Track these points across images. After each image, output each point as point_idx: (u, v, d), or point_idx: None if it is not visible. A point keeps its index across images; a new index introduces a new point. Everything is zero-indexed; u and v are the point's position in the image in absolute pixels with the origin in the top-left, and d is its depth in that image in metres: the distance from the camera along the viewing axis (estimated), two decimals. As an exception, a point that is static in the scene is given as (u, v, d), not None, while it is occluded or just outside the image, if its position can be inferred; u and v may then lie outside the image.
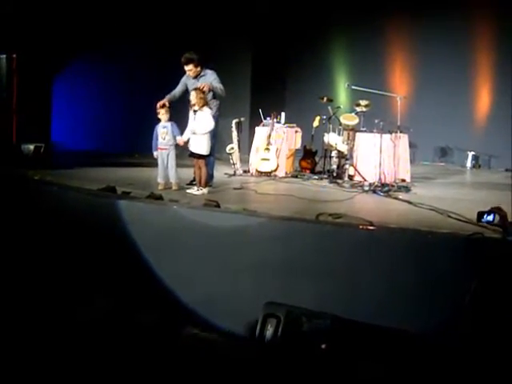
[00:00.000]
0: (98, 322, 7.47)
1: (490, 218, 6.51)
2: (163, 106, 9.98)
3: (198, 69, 10.51)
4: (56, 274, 8.73)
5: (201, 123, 9.55)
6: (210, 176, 10.49)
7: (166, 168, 9.88)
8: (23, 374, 6.05)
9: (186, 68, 10.46)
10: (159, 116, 9.91)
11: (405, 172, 12.07)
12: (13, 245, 9.45)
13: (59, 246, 8.98)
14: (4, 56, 12.34)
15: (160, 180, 9.92)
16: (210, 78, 10.46)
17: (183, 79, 10.76)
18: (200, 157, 9.64)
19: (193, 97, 9.66)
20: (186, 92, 10.51)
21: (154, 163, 10.95)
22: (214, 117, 9.87)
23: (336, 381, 6.05)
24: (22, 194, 10.18)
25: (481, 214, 6.61)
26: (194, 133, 9.54)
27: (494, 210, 6.60)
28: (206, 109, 9.58)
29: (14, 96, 12.34)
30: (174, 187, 9.82)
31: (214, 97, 10.43)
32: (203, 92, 9.70)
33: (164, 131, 9.83)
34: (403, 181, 11.75)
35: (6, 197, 10.25)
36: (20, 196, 10.14)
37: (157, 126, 9.94)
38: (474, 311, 5.95)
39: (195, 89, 9.76)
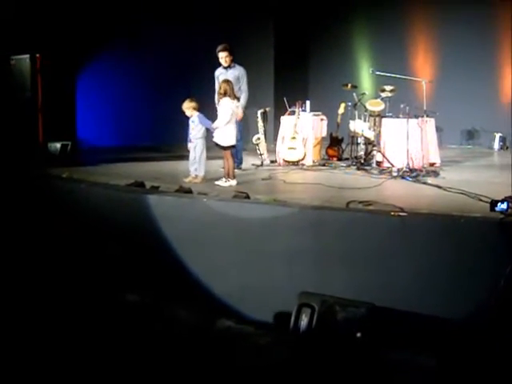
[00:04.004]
0: (130, 316, 7.52)
1: (504, 206, 6.43)
2: (186, 102, 9.99)
3: (231, 58, 11.33)
4: (87, 269, 8.80)
5: (219, 115, 9.61)
6: (239, 160, 11.49)
7: (194, 161, 9.90)
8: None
9: (222, 54, 11.31)
10: (187, 114, 9.93)
11: (434, 156, 12.01)
12: (44, 241, 9.53)
13: (89, 242, 9.03)
14: (28, 56, 12.40)
15: (191, 172, 9.95)
16: (240, 72, 11.39)
17: (216, 74, 11.55)
18: (223, 148, 9.66)
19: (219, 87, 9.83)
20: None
21: (179, 156, 11.01)
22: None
23: (372, 369, 6.04)
24: (50, 192, 10.21)
25: (494, 203, 6.53)
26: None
27: (508, 199, 6.52)
28: (224, 101, 9.59)
29: (39, 95, 12.41)
30: (197, 180, 9.80)
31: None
32: (232, 86, 9.77)
33: (192, 125, 9.85)
34: (432, 165, 11.69)
35: (35, 195, 10.31)
36: (49, 194, 10.19)
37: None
38: (509, 295, 5.91)
39: (224, 81, 9.87)
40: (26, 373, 6.07)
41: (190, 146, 9.96)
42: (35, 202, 10.20)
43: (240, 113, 10.96)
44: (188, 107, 9.87)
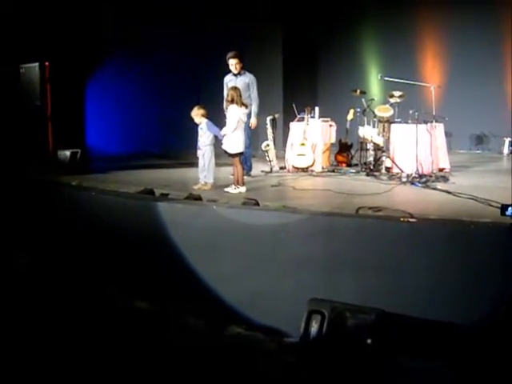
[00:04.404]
0: (140, 323, 7.53)
1: (515, 210, 6.42)
2: (194, 109, 10.02)
3: (241, 65, 11.40)
4: (96, 276, 8.82)
5: (226, 123, 9.64)
6: (248, 167, 11.53)
7: (203, 168, 9.90)
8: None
9: (232, 61, 11.37)
10: (195, 121, 9.95)
11: (443, 161, 12.02)
12: (54, 249, 9.56)
13: (100, 249, 9.05)
14: (37, 64, 12.41)
15: (200, 179, 9.96)
16: (250, 79, 11.44)
17: (225, 81, 11.58)
18: (231, 155, 9.67)
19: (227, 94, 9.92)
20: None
21: (188, 163, 11.05)
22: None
23: (383, 376, 6.03)
24: (60, 199, 10.24)
25: (505, 208, 6.52)
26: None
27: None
28: (231, 108, 9.61)
29: (49, 103, 12.40)
30: (206, 187, 9.80)
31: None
32: (239, 93, 9.77)
33: (200, 132, 9.87)
34: (441, 170, 11.70)
35: (45, 203, 10.34)
36: (59, 202, 10.21)
37: None
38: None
39: (232, 88, 9.91)
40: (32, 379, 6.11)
41: (198, 153, 9.97)
42: (45, 210, 10.23)
43: (254, 121, 11.24)
44: (197, 114, 9.89)
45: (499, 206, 7.07)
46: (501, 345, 5.79)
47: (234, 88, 9.86)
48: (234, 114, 9.54)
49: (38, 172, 11.72)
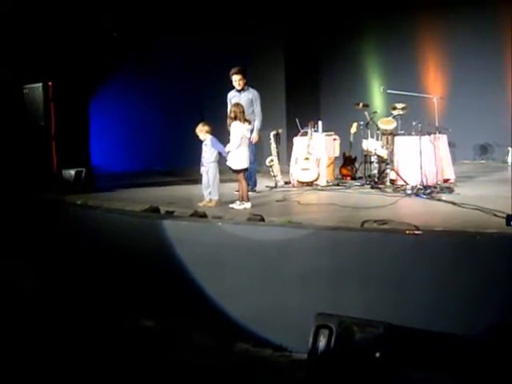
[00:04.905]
0: (147, 342, 7.52)
1: (520, 220, 6.42)
2: (199, 126, 10.02)
3: (244, 81, 11.39)
4: (103, 294, 8.82)
5: (230, 139, 9.64)
6: (253, 183, 11.52)
7: (207, 185, 9.88)
8: None
9: (236, 77, 11.36)
10: (200, 137, 9.95)
11: (448, 172, 12.00)
12: (60, 268, 9.57)
13: (106, 268, 9.05)
14: (40, 84, 12.45)
15: (205, 196, 9.94)
16: (254, 95, 11.46)
17: (229, 97, 11.59)
18: (235, 171, 9.67)
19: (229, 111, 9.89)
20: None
21: (193, 180, 11.05)
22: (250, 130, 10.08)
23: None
24: (65, 218, 10.25)
25: (510, 218, 6.51)
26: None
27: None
28: (234, 125, 9.60)
29: (53, 123, 12.43)
30: (211, 204, 9.79)
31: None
32: (242, 109, 9.77)
33: (205, 149, 9.86)
34: (446, 181, 11.68)
35: (50, 222, 10.36)
36: (64, 221, 10.23)
37: None
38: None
39: (234, 104, 9.93)
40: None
41: (202, 170, 9.96)
42: (50, 229, 10.25)
43: (255, 136, 11.17)
44: (201, 130, 9.88)
45: (504, 216, 7.06)
46: (506, 357, 5.77)
47: (237, 104, 9.87)
48: (238, 131, 9.55)
49: (42, 191, 11.74)
